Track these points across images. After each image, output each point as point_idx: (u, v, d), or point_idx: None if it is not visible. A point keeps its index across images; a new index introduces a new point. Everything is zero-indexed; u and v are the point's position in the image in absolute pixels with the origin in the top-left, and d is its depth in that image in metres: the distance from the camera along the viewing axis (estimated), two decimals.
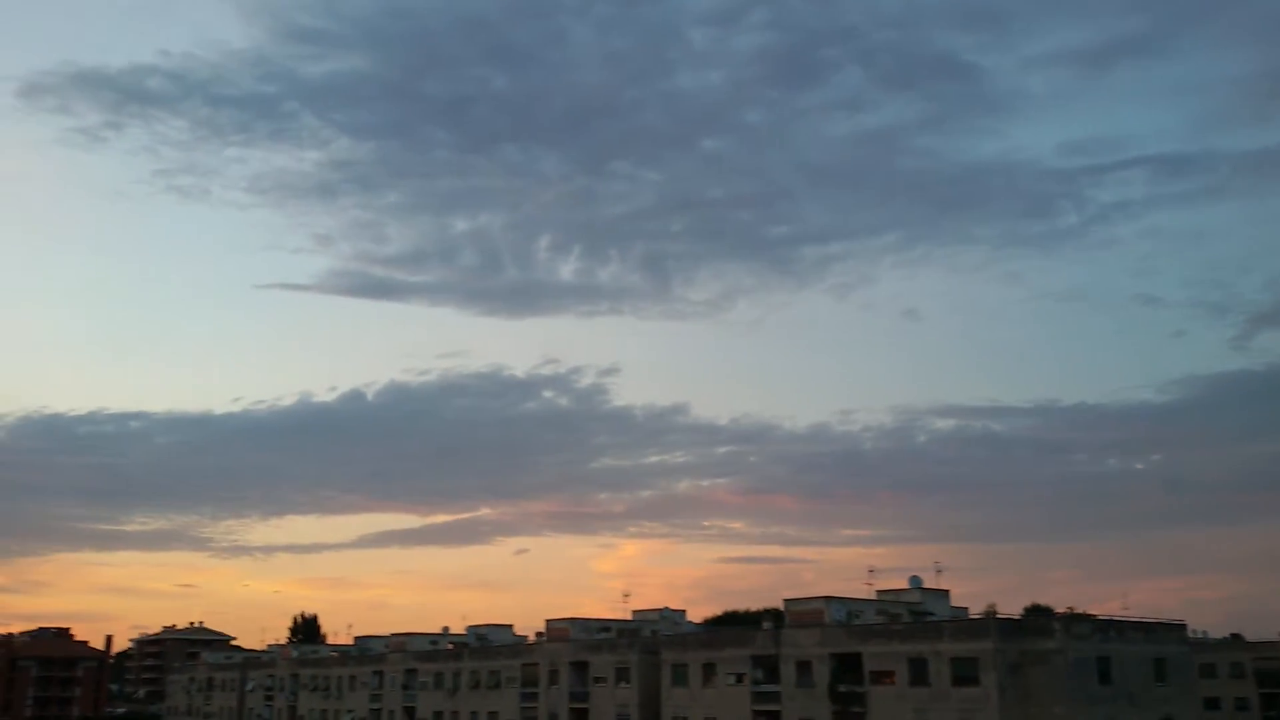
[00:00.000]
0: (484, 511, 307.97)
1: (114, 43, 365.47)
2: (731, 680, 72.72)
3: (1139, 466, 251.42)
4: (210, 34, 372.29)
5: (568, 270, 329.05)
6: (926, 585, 73.71)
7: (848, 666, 65.81)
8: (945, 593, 74.03)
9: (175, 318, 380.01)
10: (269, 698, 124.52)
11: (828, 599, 69.72)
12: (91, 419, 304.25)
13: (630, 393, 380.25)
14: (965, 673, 59.79)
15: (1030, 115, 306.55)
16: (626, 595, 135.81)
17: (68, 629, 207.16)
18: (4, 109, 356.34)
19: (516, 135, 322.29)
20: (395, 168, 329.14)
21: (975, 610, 74.72)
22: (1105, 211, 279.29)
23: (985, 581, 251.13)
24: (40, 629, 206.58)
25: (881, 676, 63.99)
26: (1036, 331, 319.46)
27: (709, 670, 74.70)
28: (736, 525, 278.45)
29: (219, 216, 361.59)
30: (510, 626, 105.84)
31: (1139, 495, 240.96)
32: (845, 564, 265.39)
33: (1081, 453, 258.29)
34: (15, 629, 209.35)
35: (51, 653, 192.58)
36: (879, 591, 73.92)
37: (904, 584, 74.16)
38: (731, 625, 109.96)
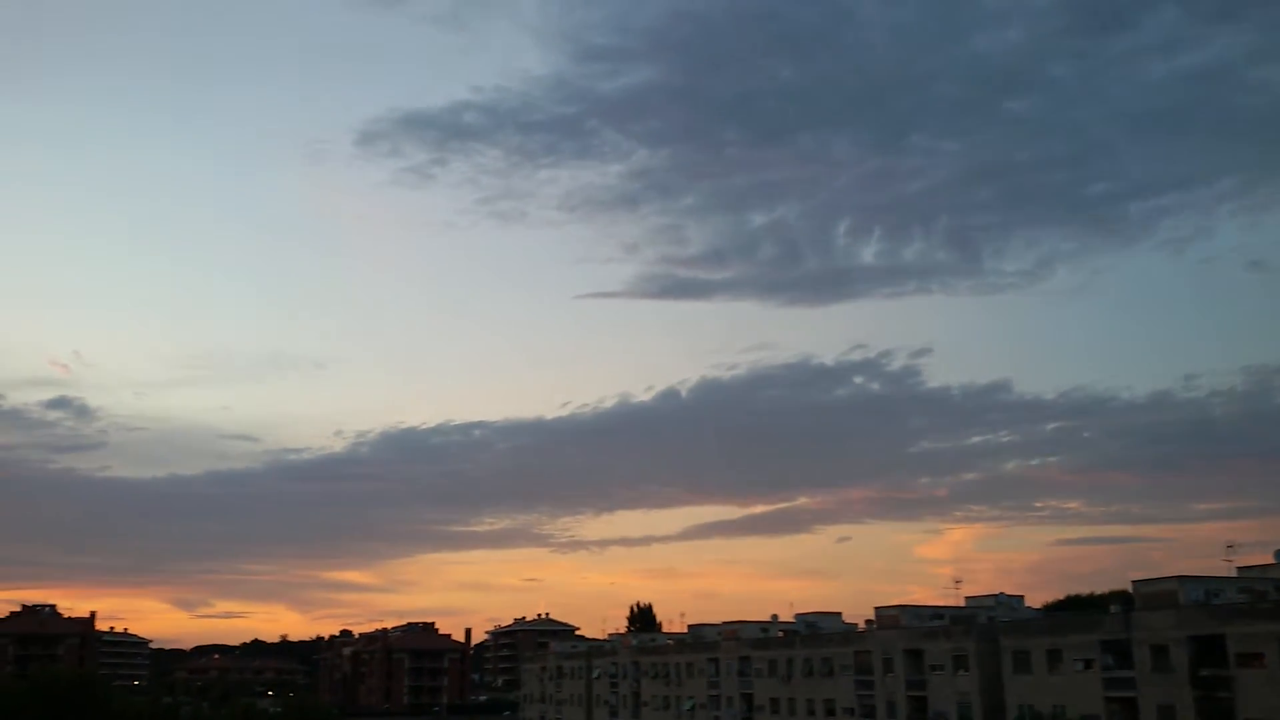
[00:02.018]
0: (802, 500, 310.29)
1: (432, 85, 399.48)
2: (1079, 666, 69.62)
3: None
4: (514, 64, 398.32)
5: (869, 253, 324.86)
6: None
7: (1209, 649, 61.56)
8: None
9: (505, 332, 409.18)
10: (614, 684, 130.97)
11: (1181, 579, 65.91)
12: (440, 430, 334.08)
13: (945, 373, 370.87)
14: None
15: None
16: (958, 582, 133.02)
17: (433, 623, 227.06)
18: (345, 157, 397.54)
19: (807, 123, 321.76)
20: (690, 171, 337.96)
21: None
22: None
23: None
24: (409, 624, 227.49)
25: (1249, 659, 59.43)
26: None
27: (1054, 657, 71.83)
28: (1072, 505, 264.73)
29: (536, 235, 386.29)
30: (838, 614, 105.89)
31: None
32: (1199, 541, 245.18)
33: None
34: (389, 625, 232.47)
35: (421, 645, 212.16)
36: (1240, 568, 68.80)
37: (1269, 559, 68.67)
38: (1075, 610, 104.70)
